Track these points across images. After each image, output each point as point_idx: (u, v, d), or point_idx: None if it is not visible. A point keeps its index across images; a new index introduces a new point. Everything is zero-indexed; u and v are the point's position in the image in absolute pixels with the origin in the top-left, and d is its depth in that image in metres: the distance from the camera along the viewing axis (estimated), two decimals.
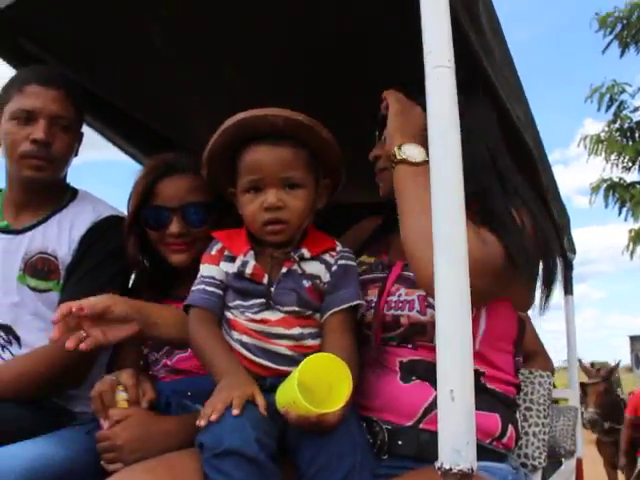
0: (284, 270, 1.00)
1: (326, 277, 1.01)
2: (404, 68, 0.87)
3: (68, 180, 1.39)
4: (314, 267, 1.01)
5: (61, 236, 1.28)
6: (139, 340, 1.25)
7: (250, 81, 1.44)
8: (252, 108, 0.98)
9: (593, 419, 4.85)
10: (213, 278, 1.03)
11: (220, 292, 1.02)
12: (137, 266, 1.27)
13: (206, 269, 1.04)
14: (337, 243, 1.05)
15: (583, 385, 4.57)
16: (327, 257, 1.02)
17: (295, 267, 1.00)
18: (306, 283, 0.99)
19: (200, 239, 1.23)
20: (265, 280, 0.99)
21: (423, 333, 1.00)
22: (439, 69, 0.67)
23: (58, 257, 1.27)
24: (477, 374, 1.01)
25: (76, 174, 1.42)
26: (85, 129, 1.39)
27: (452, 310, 0.63)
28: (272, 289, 0.98)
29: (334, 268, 1.01)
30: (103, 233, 1.28)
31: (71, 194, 1.37)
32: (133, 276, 1.30)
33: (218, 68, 1.39)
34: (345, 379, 0.79)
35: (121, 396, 1.04)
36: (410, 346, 1.03)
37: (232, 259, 1.02)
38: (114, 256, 1.25)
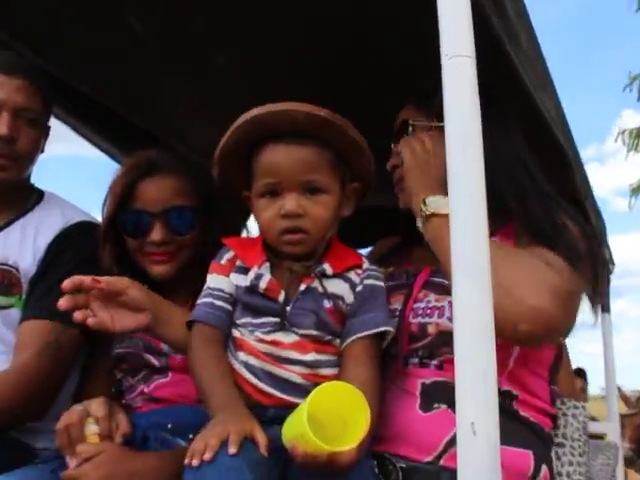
0: (303, 287, 1.00)
1: (350, 298, 1.01)
2: (423, 64, 0.88)
3: (32, 180, 1.40)
4: (337, 286, 1.01)
5: (24, 244, 1.29)
6: (111, 363, 1.27)
7: (245, 72, 1.45)
8: (247, 102, 0.99)
9: (628, 456, 4.79)
10: (222, 291, 1.04)
11: (229, 307, 1.03)
12: None
13: (214, 280, 1.05)
14: (364, 260, 1.06)
15: (621, 417, 4.52)
16: (352, 275, 1.03)
17: (315, 284, 1.01)
18: (327, 303, 1.00)
19: (185, 248, 1.25)
20: (281, 297, 0.99)
21: (452, 344, 1.02)
22: (457, 59, 0.67)
23: (20, 269, 1.27)
24: (509, 397, 1.03)
25: (38, 170, 1.40)
26: (52, 122, 1.40)
27: (473, 327, 0.62)
28: (288, 308, 0.99)
29: (359, 288, 1.02)
30: (73, 241, 1.30)
31: (36, 196, 1.37)
32: None
33: (209, 57, 1.40)
34: (362, 413, 0.78)
35: (91, 429, 1.04)
36: (435, 363, 1.04)
37: (245, 271, 1.03)
38: (86, 267, 1.23)
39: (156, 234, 1.21)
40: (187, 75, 1.50)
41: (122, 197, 1.21)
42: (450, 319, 1.02)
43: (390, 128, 1.24)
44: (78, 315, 0.99)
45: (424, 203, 1.01)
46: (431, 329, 1.05)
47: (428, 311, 1.07)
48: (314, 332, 0.98)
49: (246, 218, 2.00)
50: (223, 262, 1.06)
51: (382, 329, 0.99)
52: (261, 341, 0.99)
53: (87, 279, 0.99)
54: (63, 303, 0.99)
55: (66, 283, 0.99)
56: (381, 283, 1.05)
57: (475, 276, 0.64)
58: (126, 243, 1.25)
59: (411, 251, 1.25)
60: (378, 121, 1.15)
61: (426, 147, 1.09)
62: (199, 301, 1.05)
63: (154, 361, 1.23)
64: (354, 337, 0.99)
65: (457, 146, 0.66)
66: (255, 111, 0.97)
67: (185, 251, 1.25)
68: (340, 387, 0.80)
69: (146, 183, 1.22)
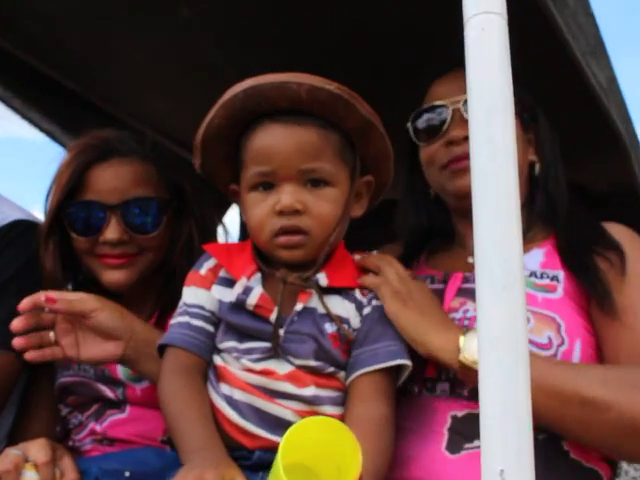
0: (299, 307, 1.00)
1: (356, 322, 1.01)
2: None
3: None
4: (341, 305, 1.01)
5: None
6: (55, 396, 1.26)
7: (220, 34, 1.44)
8: (227, 71, 1.02)
9: None
10: (201, 308, 1.04)
11: (210, 328, 1.03)
12: (57, 287, 1.22)
13: (192, 294, 1.05)
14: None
15: None
16: (357, 294, 1.03)
17: (315, 303, 1.01)
18: (329, 328, 1.00)
19: (148, 250, 1.25)
20: (273, 316, 0.99)
21: None
22: (483, 17, 0.65)
23: None
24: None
25: None
26: None
27: (502, 348, 0.60)
28: (282, 331, 0.99)
29: (367, 310, 1.02)
30: (9, 242, 1.28)
31: None
32: None
33: (178, 16, 1.38)
34: (354, 454, 0.75)
35: (29, 478, 1.03)
36: (469, 389, 1.03)
37: (230, 283, 1.03)
38: (24, 275, 1.24)
39: (112, 231, 1.19)
40: (149, 35, 1.48)
41: (70, 185, 1.20)
42: None
43: (406, 110, 1.24)
44: (18, 341, 1.01)
45: (461, 351, 0.96)
46: None
47: (466, 322, 1.06)
48: (313, 362, 0.98)
49: (222, 214, 2.00)
50: (203, 272, 1.06)
51: (397, 362, 0.98)
52: (249, 370, 0.98)
53: (40, 296, 1.01)
54: (17, 323, 1.02)
55: (24, 303, 1.01)
56: None
57: (505, 287, 0.62)
58: (73, 243, 1.24)
59: (432, 257, 1.26)
60: (389, 103, 1.14)
61: (401, 273, 1.07)
62: (173, 320, 1.05)
63: (108, 393, 1.22)
64: (362, 371, 0.98)
65: (483, 127, 0.64)
66: (248, 83, 0.96)
67: (148, 254, 1.25)
68: (321, 422, 0.77)
69: (100, 169, 1.21)
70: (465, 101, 1.18)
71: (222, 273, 1.05)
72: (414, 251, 1.30)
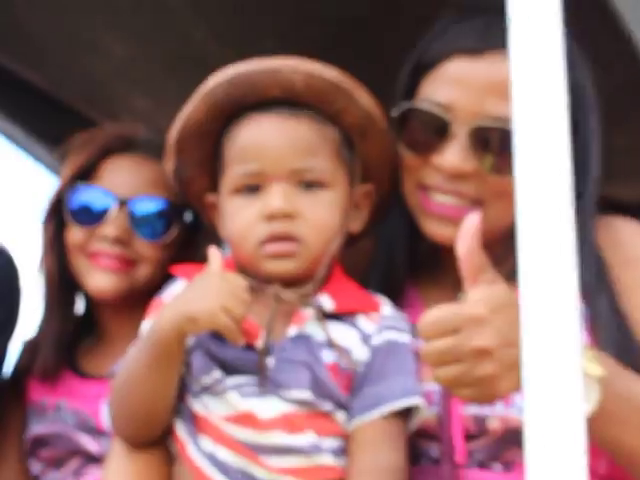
0: (294, 330, 0.94)
1: (360, 354, 0.95)
2: None
3: None
4: (343, 333, 0.95)
5: None
6: (25, 449, 1.20)
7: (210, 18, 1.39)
8: (220, 62, 0.98)
9: None
10: None
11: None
12: (58, 296, 1.24)
13: None
14: (383, 302, 1.00)
15: None
16: (362, 322, 0.97)
17: (312, 329, 0.94)
18: (328, 357, 0.93)
19: (147, 261, 1.20)
20: (260, 342, 0.92)
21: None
22: None
23: None
24: None
25: None
26: None
27: (551, 414, 0.55)
28: (271, 359, 0.92)
29: (375, 342, 0.95)
30: None
31: None
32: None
33: None
34: None
35: None
36: (499, 466, 0.95)
37: None
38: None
39: (112, 226, 1.17)
40: (126, 20, 1.42)
41: (83, 169, 1.22)
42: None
43: None
44: None
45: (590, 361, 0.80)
46: (493, 425, 0.94)
47: None
48: (309, 396, 0.91)
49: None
50: (169, 298, 0.99)
51: (409, 403, 0.92)
52: (233, 420, 0.91)
53: None
54: None
55: None
56: (406, 338, 0.97)
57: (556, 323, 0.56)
58: (66, 237, 1.22)
59: (420, 284, 1.11)
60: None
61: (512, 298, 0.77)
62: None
63: (90, 445, 1.15)
64: (368, 415, 0.92)
65: (522, 111, 0.59)
66: (234, 70, 0.96)
67: (145, 266, 1.21)
68: None
69: (120, 159, 1.24)
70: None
71: None
72: (397, 268, 1.10)
